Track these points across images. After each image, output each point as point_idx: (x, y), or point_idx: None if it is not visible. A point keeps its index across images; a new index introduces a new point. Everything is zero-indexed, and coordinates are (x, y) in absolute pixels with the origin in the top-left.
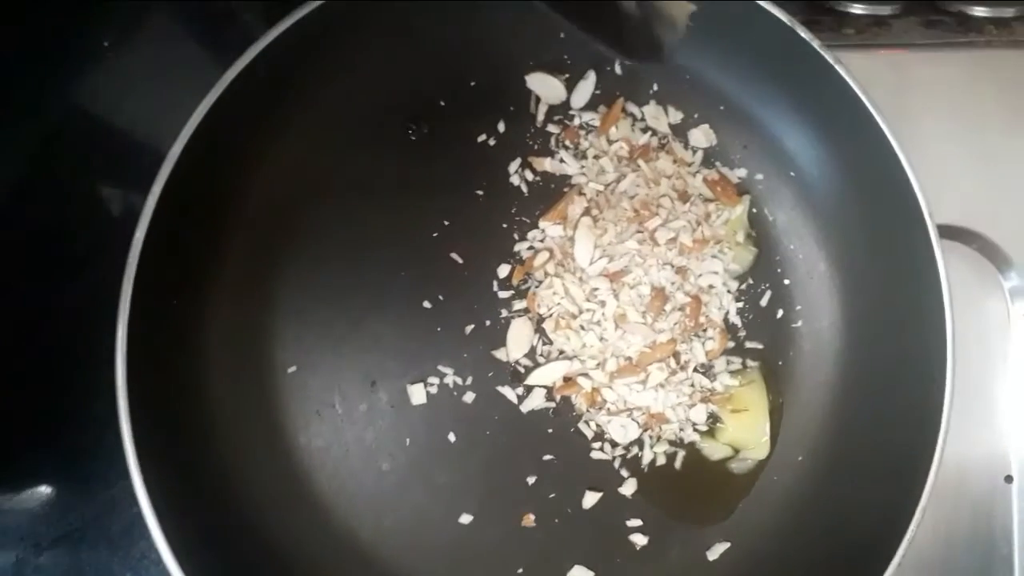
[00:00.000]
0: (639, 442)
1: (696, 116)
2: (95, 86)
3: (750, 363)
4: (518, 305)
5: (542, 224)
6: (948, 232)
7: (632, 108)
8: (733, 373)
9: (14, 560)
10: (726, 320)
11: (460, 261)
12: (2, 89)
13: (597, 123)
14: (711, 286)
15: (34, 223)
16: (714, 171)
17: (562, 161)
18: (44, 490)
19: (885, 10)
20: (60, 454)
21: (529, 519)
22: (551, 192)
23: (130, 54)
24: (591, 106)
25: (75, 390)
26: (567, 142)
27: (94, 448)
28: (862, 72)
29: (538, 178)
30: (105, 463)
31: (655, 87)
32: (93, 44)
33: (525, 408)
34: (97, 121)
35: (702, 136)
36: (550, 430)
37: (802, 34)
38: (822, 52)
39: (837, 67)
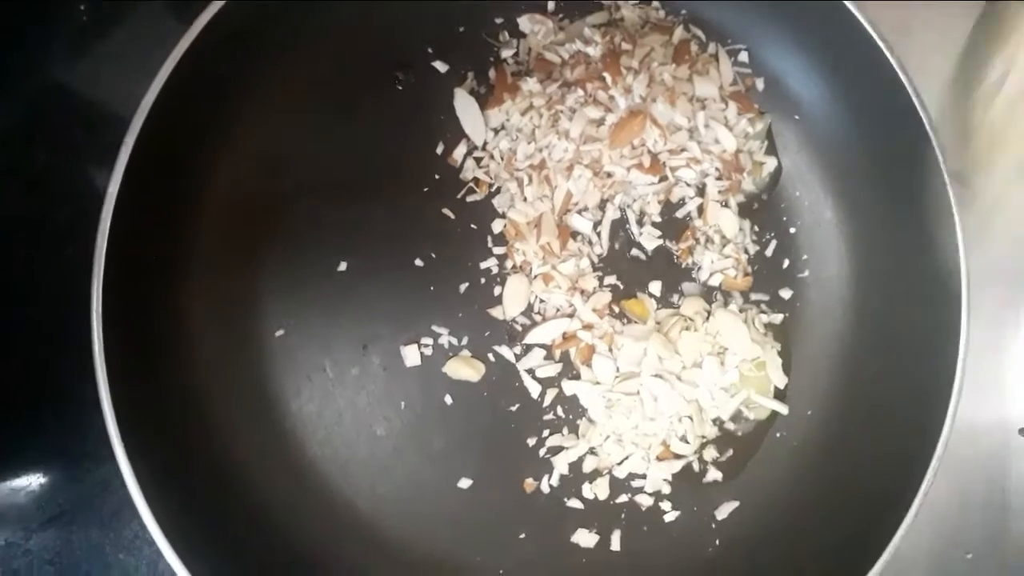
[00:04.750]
0: None
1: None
2: (72, 57)
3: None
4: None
5: None
6: (957, 178)
7: (626, 45)
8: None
9: (3, 543)
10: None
11: (452, 216)
12: None
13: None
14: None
15: (12, 198)
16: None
17: None
18: (33, 472)
19: None
20: (49, 435)
21: (530, 483)
22: None
23: (108, 23)
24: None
25: (64, 369)
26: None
27: (84, 428)
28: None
29: None
30: (95, 443)
31: (647, 26)
32: (70, 13)
33: (523, 367)
34: (75, 93)
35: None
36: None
37: None
38: None
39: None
